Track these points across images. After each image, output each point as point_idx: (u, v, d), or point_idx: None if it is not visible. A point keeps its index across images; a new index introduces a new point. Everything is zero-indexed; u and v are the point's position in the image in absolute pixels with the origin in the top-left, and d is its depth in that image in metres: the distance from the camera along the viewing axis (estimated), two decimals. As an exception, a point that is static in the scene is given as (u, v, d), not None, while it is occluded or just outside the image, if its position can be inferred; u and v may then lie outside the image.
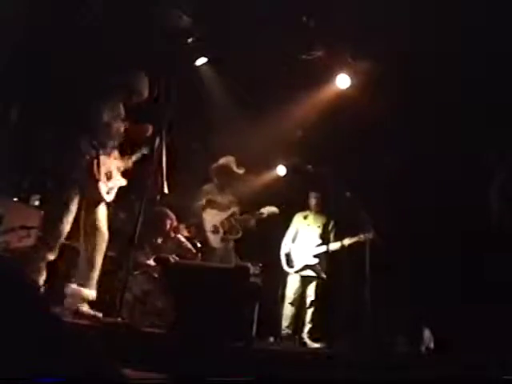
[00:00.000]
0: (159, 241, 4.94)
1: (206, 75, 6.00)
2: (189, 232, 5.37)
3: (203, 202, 4.77)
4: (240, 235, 4.92)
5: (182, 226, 5.39)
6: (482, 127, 5.28)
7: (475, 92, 5.10)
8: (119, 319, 2.87)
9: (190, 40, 5.33)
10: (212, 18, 5.16)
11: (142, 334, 2.92)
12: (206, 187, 4.93)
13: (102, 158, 3.21)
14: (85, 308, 3.15)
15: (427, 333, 5.31)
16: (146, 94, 3.51)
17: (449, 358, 4.09)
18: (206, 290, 2.93)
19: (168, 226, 5.11)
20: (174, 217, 5.20)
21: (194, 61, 5.78)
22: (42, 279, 2.97)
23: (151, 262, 4.66)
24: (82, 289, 3.18)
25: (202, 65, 5.86)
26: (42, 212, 3.86)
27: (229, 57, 5.63)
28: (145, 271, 4.54)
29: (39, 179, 4.80)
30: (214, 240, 4.74)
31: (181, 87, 3.89)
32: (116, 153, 3.42)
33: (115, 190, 3.38)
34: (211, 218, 4.80)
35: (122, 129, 3.41)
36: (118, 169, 3.41)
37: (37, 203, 4.61)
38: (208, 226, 4.77)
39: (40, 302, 1.34)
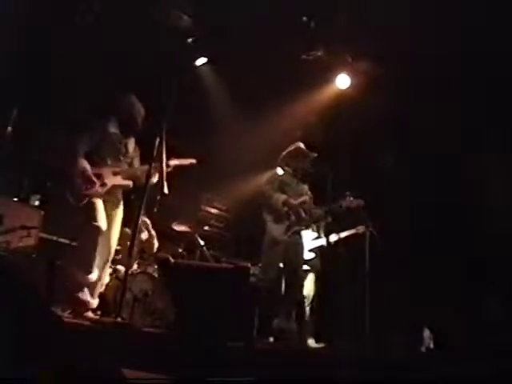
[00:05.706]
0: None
1: (206, 75, 6.00)
2: (190, 227, 5.36)
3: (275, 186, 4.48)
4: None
5: (182, 222, 5.39)
6: (483, 126, 5.28)
7: (476, 91, 5.10)
8: (119, 319, 2.87)
9: (189, 40, 5.34)
10: (212, 17, 5.16)
11: (142, 333, 2.92)
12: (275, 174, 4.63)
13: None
14: (89, 314, 3.25)
15: (427, 333, 5.30)
16: (139, 121, 3.64)
17: (449, 358, 4.09)
18: (205, 289, 2.93)
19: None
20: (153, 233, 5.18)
21: (194, 61, 5.78)
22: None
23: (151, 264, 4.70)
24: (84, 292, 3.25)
25: (201, 65, 5.87)
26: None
27: (229, 57, 5.63)
28: (145, 271, 4.55)
29: (39, 179, 4.80)
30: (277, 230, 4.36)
31: (181, 87, 3.89)
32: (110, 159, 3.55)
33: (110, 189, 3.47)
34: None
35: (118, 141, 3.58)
36: (114, 173, 3.52)
37: (37, 203, 4.62)
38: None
39: (40, 302, 1.34)
